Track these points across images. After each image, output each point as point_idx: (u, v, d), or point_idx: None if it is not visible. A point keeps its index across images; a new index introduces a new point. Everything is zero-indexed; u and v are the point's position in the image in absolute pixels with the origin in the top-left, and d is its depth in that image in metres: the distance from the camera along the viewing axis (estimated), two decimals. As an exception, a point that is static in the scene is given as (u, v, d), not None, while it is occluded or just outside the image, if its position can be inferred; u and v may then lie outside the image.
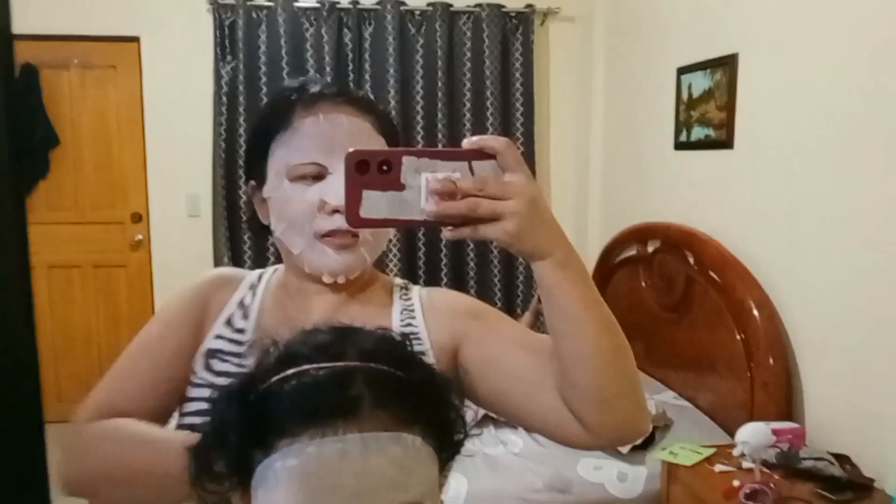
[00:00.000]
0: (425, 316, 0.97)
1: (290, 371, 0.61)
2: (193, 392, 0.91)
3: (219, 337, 0.94)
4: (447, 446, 0.66)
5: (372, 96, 1.02)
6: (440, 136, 3.81)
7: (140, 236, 3.92)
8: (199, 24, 3.74)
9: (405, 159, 0.69)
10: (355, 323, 0.92)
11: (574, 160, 4.07)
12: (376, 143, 0.93)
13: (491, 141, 0.70)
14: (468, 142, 0.71)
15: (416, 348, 0.88)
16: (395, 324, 0.95)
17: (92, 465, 0.84)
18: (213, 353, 0.93)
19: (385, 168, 0.69)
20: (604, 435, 0.82)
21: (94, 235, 3.91)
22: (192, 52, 3.76)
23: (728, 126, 2.71)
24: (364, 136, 0.92)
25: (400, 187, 0.69)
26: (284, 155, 0.91)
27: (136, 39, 3.79)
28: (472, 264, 3.90)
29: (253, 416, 0.60)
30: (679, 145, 3.08)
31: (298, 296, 0.97)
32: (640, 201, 3.44)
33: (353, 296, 0.97)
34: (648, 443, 2.50)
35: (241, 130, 3.69)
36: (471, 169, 0.70)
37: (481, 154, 0.71)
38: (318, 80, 0.96)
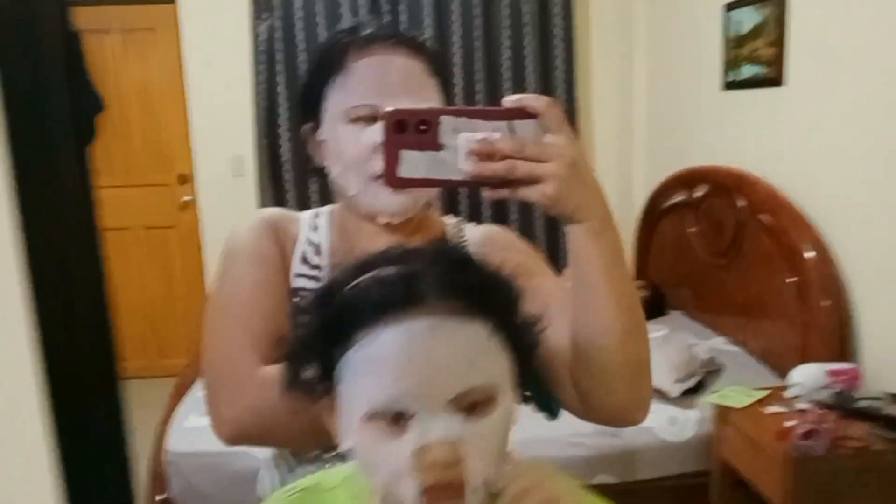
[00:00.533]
0: (475, 244, 0.99)
1: (363, 277, 0.66)
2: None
3: (299, 275, 0.97)
4: (517, 344, 0.68)
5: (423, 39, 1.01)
6: (478, 84, 3.75)
7: (187, 197, 3.99)
8: (235, -18, 3.72)
9: (443, 119, 0.68)
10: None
11: (617, 105, 3.98)
12: (429, 84, 0.94)
13: (532, 100, 0.69)
14: (509, 100, 0.70)
15: None
16: None
17: (266, 415, 0.84)
18: (296, 292, 0.95)
19: (423, 128, 0.68)
20: (595, 413, 0.83)
21: (144, 198, 4.00)
22: (228, 11, 3.76)
23: (778, 63, 2.61)
24: (417, 77, 0.93)
25: (438, 147, 0.68)
26: (340, 97, 0.92)
27: (173, 1, 3.79)
28: (515, 216, 3.88)
29: (332, 318, 0.65)
30: (727, 85, 2.98)
31: (357, 234, 0.98)
32: (687, 145, 3.36)
33: (408, 235, 0.98)
34: (699, 388, 2.49)
35: (281, 88, 3.69)
36: (511, 129, 0.69)
37: (522, 113, 0.69)
38: (372, 23, 0.96)
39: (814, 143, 2.48)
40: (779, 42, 2.60)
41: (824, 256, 2.39)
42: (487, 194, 0.71)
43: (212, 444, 0.79)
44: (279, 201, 3.76)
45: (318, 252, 0.99)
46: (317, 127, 0.97)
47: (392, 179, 0.70)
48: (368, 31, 0.94)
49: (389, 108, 0.70)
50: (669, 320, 3.24)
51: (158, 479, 2.31)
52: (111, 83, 3.87)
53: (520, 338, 0.69)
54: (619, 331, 0.75)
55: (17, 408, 0.41)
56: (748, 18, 2.79)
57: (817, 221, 2.46)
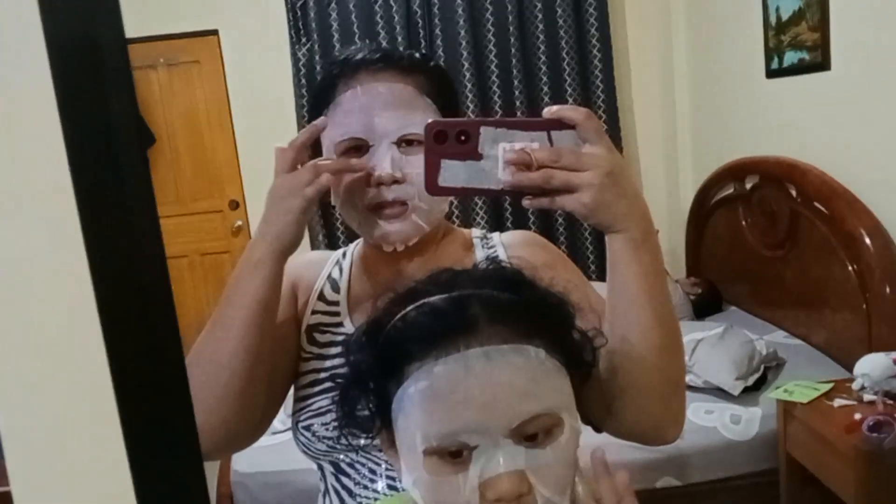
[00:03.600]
0: (509, 257, 0.97)
1: (412, 306, 0.66)
2: (304, 366, 0.95)
3: (315, 312, 0.98)
4: (575, 363, 0.68)
5: (426, 55, 1.00)
6: (517, 91, 3.75)
7: (239, 222, 4.08)
8: (272, 9, 3.81)
9: (483, 130, 0.70)
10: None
11: (659, 100, 3.94)
12: (420, 106, 0.91)
13: (570, 111, 0.70)
14: (548, 111, 0.71)
15: None
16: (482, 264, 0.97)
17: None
18: (313, 328, 0.97)
19: (463, 138, 0.70)
20: (626, 429, 0.81)
21: (198, 225, 4.11)
22: (269, 38, 3.85)
23: (823, 47, 2.55)
24: (404, 101, 0.90)
25: (478, 157, 0.70)
26: (330, 131, 0.91)
27: (215, 32, 3.90)
28: (561, 229, 3.85)
29: (383, 352, 0.65)
30: (771, 73, 2.92)
31: (379, 263, 0.99)
32: (733, 137, 3.30)
33: (432, 252, 0.97)
34: (760, 384, 2.44)
35: (308, 117, 3.75)
36: (550, 139, 0.70)
37: (560, 124, 0.70)
38: (366, 47, 0.94)
39: (864, 127, 2.41)
40: (821, 26, 2.54)
41: (884, 242, 2.32)
42: (527, 203, 0.71)
43: (277, 462, 0.81)
44: (328, 225, 3.82)
45: (335, 288, 1.00)
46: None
47: (433, 188, 0.71)
48: (359, 56, 0.92)
49: (430, 121, 0.71)
50: (726, 316, 3.18)
51: (226, 499, 2.36)
52: (160, 116, 4.00)
53: (578, 356, 0.69)
54: (655, 345, 0.74)
55: (94, 423, 0.43)
56: (788, 4, 2.74)
57: (874, 208, 2.39)
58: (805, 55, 2.67)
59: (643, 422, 0.79)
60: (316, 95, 0.96)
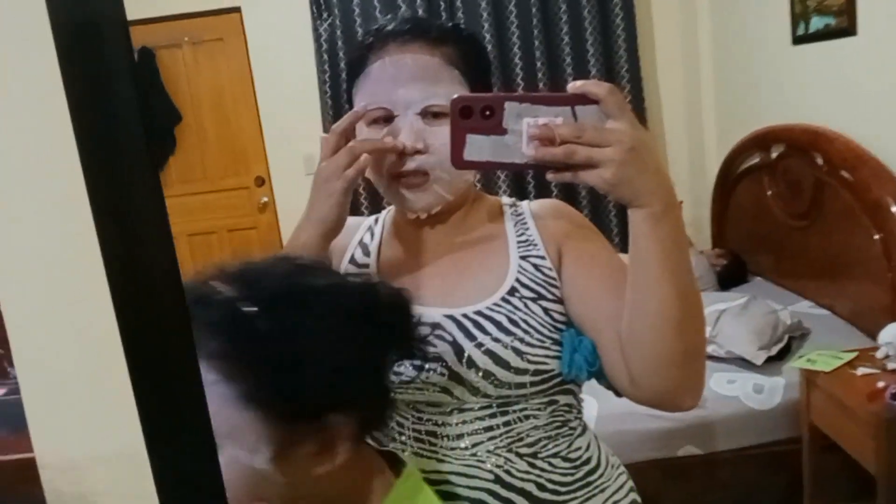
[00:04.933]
0: (537, 225, 1.01)
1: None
2: None
3: (346, 275, 1.02)
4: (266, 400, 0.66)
5: (457, 25, 1.01)
6: (539, 62, 3.73)
7: (265, 198, 4.13)
8: (294, -14, 3.82)
9: (507, 105, 0.72)
10: (471, 244, 1.00)
11: (683, 69, 3.88)
12: (446, 77, 0.92)
13: (593, 87, 0.71)
14: (572, 86, 0.72)
15: (535, 253, 0.97)
16: (511, 236, 0.99)
17: None
18: None
19: (488, 113, 0.72)
20: (644, 396, 0.84)
21: (225, 202, 4.16)
22: (290, 14, 3.86)
23: (849, 12, 2.50)
24: (430, 73, 0.92)
25: (502, 132, 0.72)
26: (360, 100, 0.95)
27: (237, 10, 3.92)
28: (584, 201, 3.84)
29: None
30: (797, 39, 2.87)
31: (408, 229, 1.03)
32: (759, 105, 3.26)
33: (461, 219, 1.01)
34: (784, 353, 2.43)
35: (345, 85, 3.76)
36: (574, 114, 0.72)
37: (584, 99, 0.72)
38: (397, 18, 0.98)
39: (892, 93, 2.37)
40: (849, -10, 2.49)
41: (911, 210, 2.29)
42: (551, 177, 0.73)
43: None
44: (352, 199, 3.84)
45: (366, 252, 1.04)
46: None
47: (458, 161, 0.74)
48: (389, 27, 0.95)
49: (455, 96, 0.74)
50: (751, 287, 3.17)
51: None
52: (186, 94, 4.04)
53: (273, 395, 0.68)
54: (675, 317, 0.77)
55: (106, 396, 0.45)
56: (815, -32, 2.68)
57: (901, 174, 2.35)
58: (831, 20, 2.62)
59: (662, 389, 0.82)
60: (349, 65, 1.00)
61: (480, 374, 0.89)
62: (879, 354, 2.05)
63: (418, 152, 0.91)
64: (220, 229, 4.20)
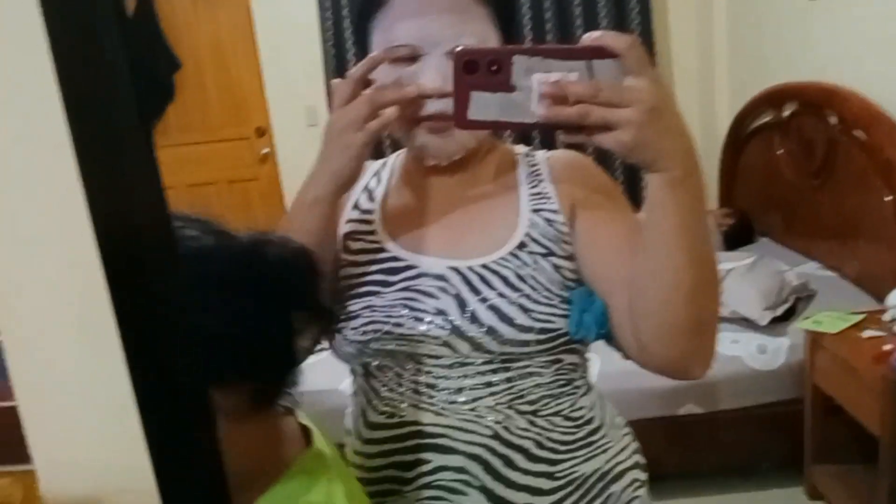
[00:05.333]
0: (552, 177, 0.96)
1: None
2: (341, 272, 0.96)
3: (349, 221, 0.99)
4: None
5: None
6: (547, 13, 3.63)
7: (266, 150, 4.07)
8: (297, -70, 3.70)
9: (516, 59, 0.66)
10: (482, 195, 0.95)
11: (695, 24, 3.79)
12: (478, 14, 0.86)
13: (612, 38, 0.65)
14: (588, 38, 0.66)
15: (548, 207, 0.92)
16: (524, 188, 0.95)
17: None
18: (347, 236, 0.97)
19: (494, 68, 0.66)
20: (652, 362, 0.81)
21: (225, 152, 4.11)
22: (293, -39, 3.75)
23: (872, -36, 2.41)
24: (461, 6, 0.85)
25: (510, 89, 0.66)
26: (379, 36, 0.88)
27: (238, -46, 3.81)
28: (592, 157, 3.78)
29: None
30: (815, -6, 2.78)
31: (419, 176, 0.98)
32: (773, 61, 3.18)
33: (474, 168, 0.96)
34: (790, 314, 2.41)
35: (347, 34, 3.69)
36: (589, 70, 0.65)
37: (602, 52, 0.65)
38: None
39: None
40: (872, -59, 2.40)
41: (925, 171, 2.24)
42: (562, 138, 0.69)
43: (306, 384, 0.82)
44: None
45: (371, 198, 0.99)
46: None
47: (462, 121, 0.68)
48: None
49: (458, 48, 0.67)
50: (758, 248, 3.13)
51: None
52: (185, 42, 3.95)
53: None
54: (689, 287, 0.73)
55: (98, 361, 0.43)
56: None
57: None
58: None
59: (671, 357, 0.79)
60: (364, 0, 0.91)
61: (484, 329, 0.86)
62: (886, 317, 2.03)
63: (445, 95, 0.82)
64: (220, 180, 4.15)
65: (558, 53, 0.65)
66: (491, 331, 0.85)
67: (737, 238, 3.22)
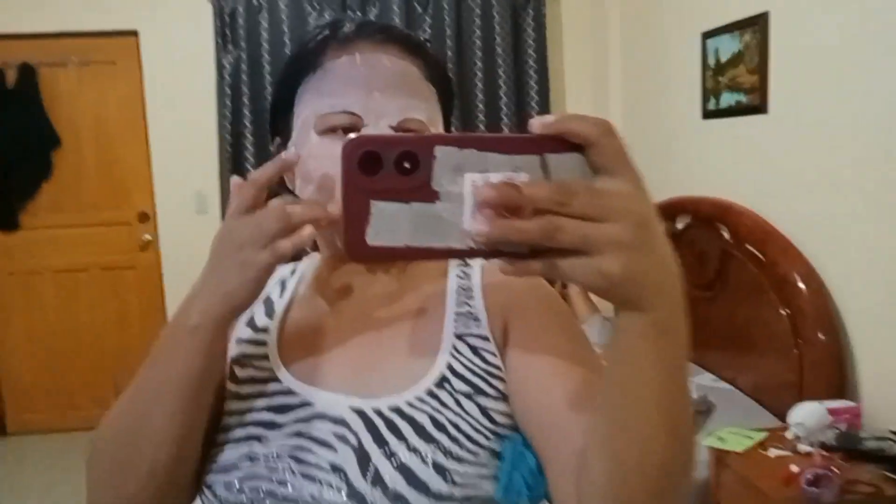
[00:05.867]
0: (483, 290, 0.79)
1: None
2: (225, 406, 0.76)
3: (240, 341, 0.80)
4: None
5: (427, 40, 0.83)
6: (452, 124, 3.65)
7: (148, 236, 3.80)
8: (199, 14, 3.61)
9: (439, 151, 0.47)
10: (401, 313, 0.77)
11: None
12: (425, 92, 0.75)
13: (578, 123, 0.46)
14: (540, 123, 0.47)
15: (475, 332, 0.75)
16: (451, 305, 0.78)
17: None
18: (235, 361, 0.78)
19: (407, 166, 0.47)
20: None
21: (101, 237, 3.80)
22: (193, 44, 3.64)
23: (761, 90, 2.55)
24: (410, 83, 0.74)
25: (430, 196, 0.47)
26: (313, 102, 0.74)
27: (134, 33, 3.66)
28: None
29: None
30: (707, 114, 2.92)
31: (335, 277, 0.81)
32: (667, 176, 3.28)
33: (395, 277, 0.80)
34: (691, 429, 2.35)
35: (247, 122, 3.57)
36: (544, 168, 0.47)
37: (559, 143, 0.46)
38: (356, 18, 0.79)
39: (800, 172, 2.40)
40: (760, 69, 2.54)
41: (817, 288, 2.30)
42: (508, 269, 0.48)
43: None
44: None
45: (269, 313, 0.82)
46: (286, 141, 0.78)
47: (357, 249, 0.47)
48: (352, 25, 0.76)
49: (351, 137, 0.48)
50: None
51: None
52: (67, 118, 3.71)
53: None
54: (661, 461, 0.53)
55: None
56: (727, 46, 2.74)
57: (808, 253, 2.37)
58: (742, 97, 2.67)
59: None
60: (295, 60, 0.77)
61: (389, 496, 0.66)
62: (789, 435, 1.99)
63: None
64: (93, 266, 3.81)
65: (500, 144, 0.47)
66: (398, 497, 0.66)
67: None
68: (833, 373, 2.22)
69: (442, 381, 0.72)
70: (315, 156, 0.72)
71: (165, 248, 3.78)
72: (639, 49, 3.52)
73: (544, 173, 0.47)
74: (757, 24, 2.55)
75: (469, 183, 0.46)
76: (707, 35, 2.87)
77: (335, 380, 0.74)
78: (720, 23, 2.77)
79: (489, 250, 0.47)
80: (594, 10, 3.80)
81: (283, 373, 0.75)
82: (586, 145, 0.46)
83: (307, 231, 0.64)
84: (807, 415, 1.97)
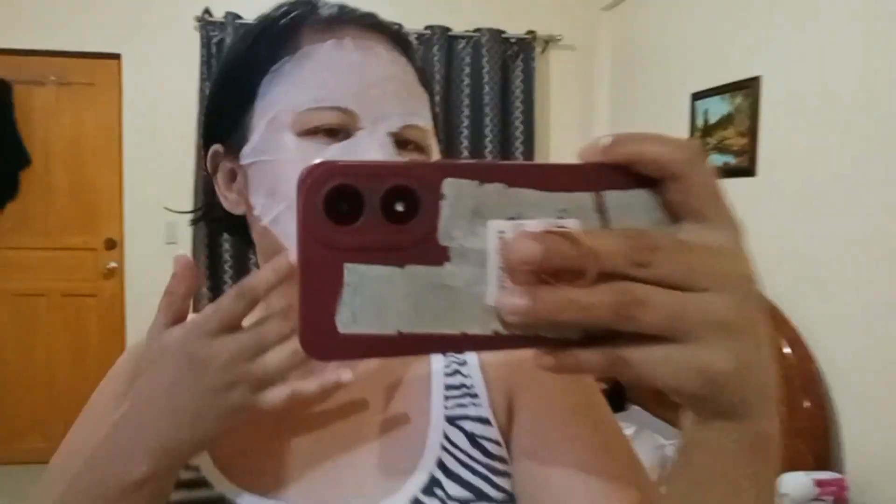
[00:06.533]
0: (482, 365, 0.62)
1: None
2: None
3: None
4: None
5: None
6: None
7: (113, 263, 3.66)
8: (185, 42, 3.55)
9: (450, 186, 0.30)
10: (381, 394, 0.61)
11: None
12: (422, 98, 0.60)
13: (655, 146, 0.31)
14: (594, 149, 0.31)
15: (472, 413, 0.59)
16: (437, 380, 0.61)
17: None
18: None
19: (401, 208, 0.30)
20: None
21: (64, 261, 3.65)
22: (177, 71, 3.57)
23: (751, 153, 2.55)
24: (409, 80, 0.59)
25: (437, 255, 0.30)
26: (288, 94, 0.55)
27: (117, 56, 3.58)
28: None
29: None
30: (694, 174, 2.91)
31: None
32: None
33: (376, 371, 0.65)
34: (671, 494, 2.27)
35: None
36: (600, 210, 0.31)
37: (621, 175, 0.31)
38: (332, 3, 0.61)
39: (788, 236, 2.39)
40: (752, 132, 2.55)
41: (803, 354, 2.26)
42: (547, 364, 0.31)
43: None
44: (214, 277, 3.48)
45: None
46: (235, 148, 0.59)
47: (320, 340, 0.30)
48: (333, 8, 0.59)
49: (316, 160, 0.30)
50: (631, 416, 3.05)
51: None
52: (39, 137, 3.59)
53: None
54: None
55: None
56: (717, 108, 2.75)
57: (794, 319, 2.34)
58: (731, 159, 2.67)
59: None
60: (254, 46, 0.59)
61: None
62: (775, 505, 1.93)
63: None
64: (53, 292, 3.65)
65: (539, 178, 0.31)
66: None
67: (610, 403, 3.14)
68: (820, 443, 2.17)
69: (431, 486, 0.55)
70: (290, 161, 0.55)
71: (130, 276, 3.64)
72: (627, 107, 3.54)
73: (601, 219, 0.31)
74: (749, 87, 2.56)
75: (495, 234, 0.30)
76: (697, 96, 2.89)
77: (294, 490, 0.57)
78: (710, 84, 2.79)
79: (525, 335, 0.30)
80: (583, 65, 3.83)
81: (227, 489, 0.57)
82: (665, 178, 0.31)
83: (314, 387, 0.50)
84: (794, 486, 1.92)
